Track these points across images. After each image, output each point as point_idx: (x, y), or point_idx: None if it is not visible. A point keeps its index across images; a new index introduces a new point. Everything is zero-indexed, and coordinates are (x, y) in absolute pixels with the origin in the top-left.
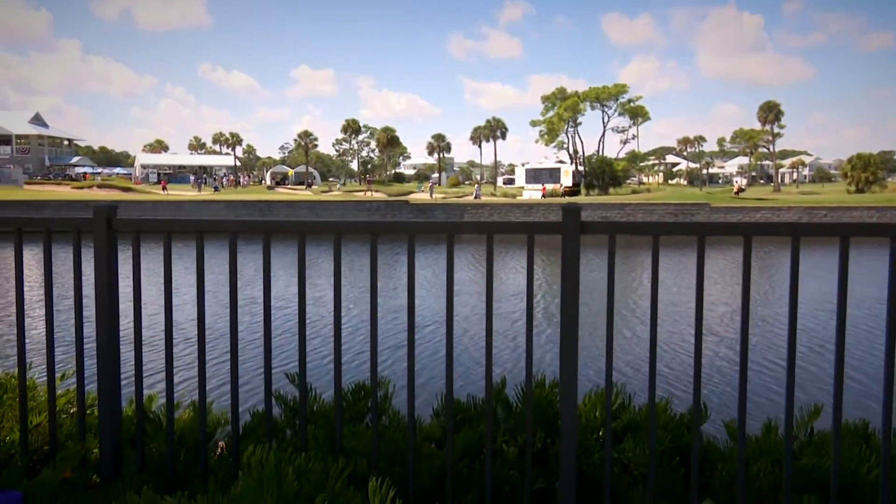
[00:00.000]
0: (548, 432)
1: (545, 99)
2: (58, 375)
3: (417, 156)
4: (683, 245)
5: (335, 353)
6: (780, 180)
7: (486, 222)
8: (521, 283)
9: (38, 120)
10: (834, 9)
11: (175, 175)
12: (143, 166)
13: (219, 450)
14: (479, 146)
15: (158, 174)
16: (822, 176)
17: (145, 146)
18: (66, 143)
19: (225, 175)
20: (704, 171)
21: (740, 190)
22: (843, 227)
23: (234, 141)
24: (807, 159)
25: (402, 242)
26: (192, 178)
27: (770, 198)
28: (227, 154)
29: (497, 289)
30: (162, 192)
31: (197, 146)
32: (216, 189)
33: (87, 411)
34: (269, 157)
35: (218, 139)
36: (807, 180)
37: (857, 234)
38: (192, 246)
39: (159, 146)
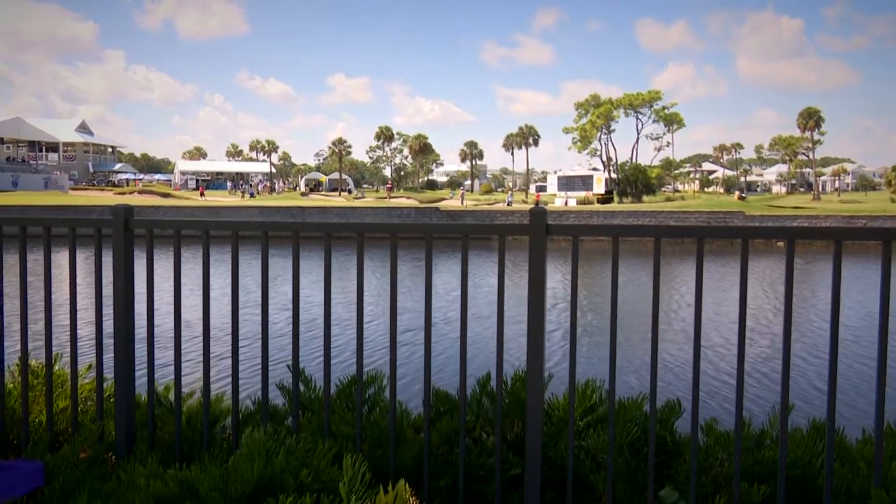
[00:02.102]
0: (526, 423)
1: (578, 106)
2: (84, 366)
3: (450, 163)
4: (720, 252)
5: (325, 347)
6: (821, 188)
7: (462, 224)
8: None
9: (83, 128)
10: (878, 11)
11: (213, 181)
12: (183, 173)
13: (227, 435)
14: (512, 153)
15: (197, 180)
16: (865, 184)
17: (185, 153)
18: (109, 150)
19: (261, 181)
20: (742, 179)
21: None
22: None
23: (269, 148)
24: (849, 167)
25: (418, 249)
26: (228, 184)
27: (808, 206)
28: (263, 161)
29: (511, 292)
30: (200, 197)
31: (234, 153)
32: (252, 195)
33: (106, 396)
34: (305, 164)
35: (254, 146)
36: (849, 188)
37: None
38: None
39: (198, 153)
